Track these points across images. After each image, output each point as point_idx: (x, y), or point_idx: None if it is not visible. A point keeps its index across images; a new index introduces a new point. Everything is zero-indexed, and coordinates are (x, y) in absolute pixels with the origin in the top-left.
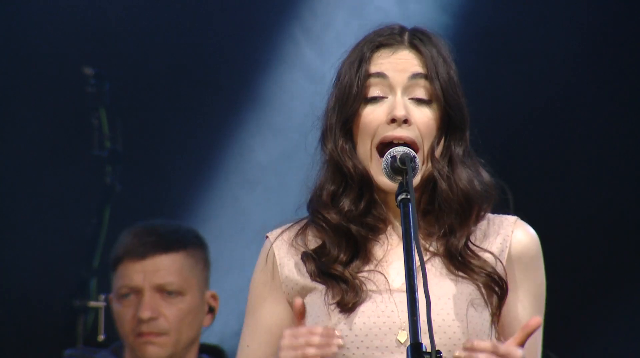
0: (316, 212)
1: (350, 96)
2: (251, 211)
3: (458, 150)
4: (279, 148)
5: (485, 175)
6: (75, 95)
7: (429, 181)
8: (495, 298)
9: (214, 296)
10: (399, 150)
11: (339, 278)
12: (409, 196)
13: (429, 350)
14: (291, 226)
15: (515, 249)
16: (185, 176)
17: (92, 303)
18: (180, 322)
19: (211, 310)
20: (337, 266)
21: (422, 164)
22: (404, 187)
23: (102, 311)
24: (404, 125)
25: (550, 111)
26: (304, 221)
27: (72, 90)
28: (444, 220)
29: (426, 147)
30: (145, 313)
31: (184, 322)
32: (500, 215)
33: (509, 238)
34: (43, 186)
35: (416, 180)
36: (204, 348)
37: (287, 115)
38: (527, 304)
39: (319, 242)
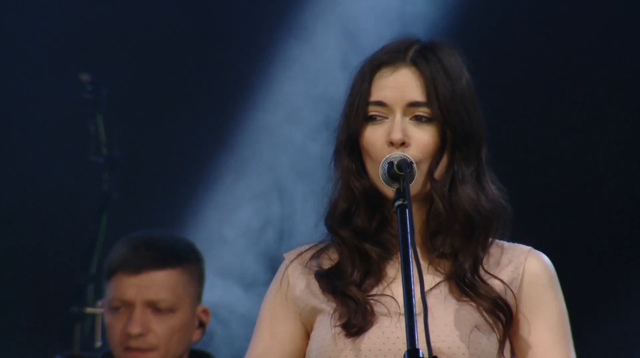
0: (332, 228)
1: (352, 115)
2: (251, 220)
3: (463, 169)
4: (282, 156)
5: (496, 197)
6: (72, 101)
7: (430, 202)
8: (500, 326)
9: (205, 311)
10: (396, 156)
11: (350, 298)
12: (406, 203)
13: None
14: (309, 248)
15: (528, 278)
16: (183, 183)
17: (89, 310)
18: (169, 338)
19: (201, 325)
20: (351, 287)
21: (422, 185)
22: (401, 193)
23: (99, 318)
24: (401, 147)
25: (555, 113)
26: (322, 245)
27: (69, 96)
28: (448, 242)
29: (425, 167)
30: (135, 329)
31: (174, 338)
32: (515, 244)
33: (521, 265)
34: (40, 192)
35: (414, 197)
36: (194, 356)
37: (290, 123)
38: (545, 333)
39: (334, 264)
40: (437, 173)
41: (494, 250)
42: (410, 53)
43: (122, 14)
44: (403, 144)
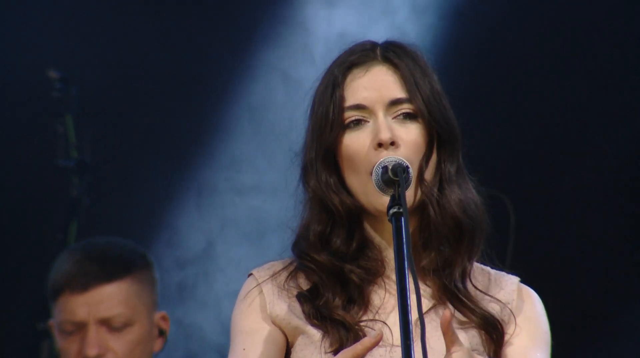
0: (304, 254)
1: (327, 125)
2: (225, 225)
3: (449, 168)
4: (258, 160)
5: (477, 199)
6: (39, 100)
7: (421, 209)
8: (492, 347)
9: (164, 318)
10: (390, 160)
11: (340, 323)
12: (401, 210)
13: None
14: (282, 269)
15: (520, 313)
16: (157, 188)
17: None
18: (129, 354)
19: (162, 333)
20: (338, 310)
21: (413, 190)
22: (396, 200)
23: None
24: (391, 148)
25: (550, 119)
26: (294, 264)
27: (36, 95)
28: (435, 256)
29: (415, 167)
30: (92, 351)
31: (134, 353)
32: (502, 271)
33: (514, 292)
34: (3, 198)
35: (409, 203)
36: None
37: (268, 126)
38: None
39: (311, 284)
40: (428, 173)
41: (480, 276)
42: (379, 51)
43: (94, 7)
44: (393, 144)
